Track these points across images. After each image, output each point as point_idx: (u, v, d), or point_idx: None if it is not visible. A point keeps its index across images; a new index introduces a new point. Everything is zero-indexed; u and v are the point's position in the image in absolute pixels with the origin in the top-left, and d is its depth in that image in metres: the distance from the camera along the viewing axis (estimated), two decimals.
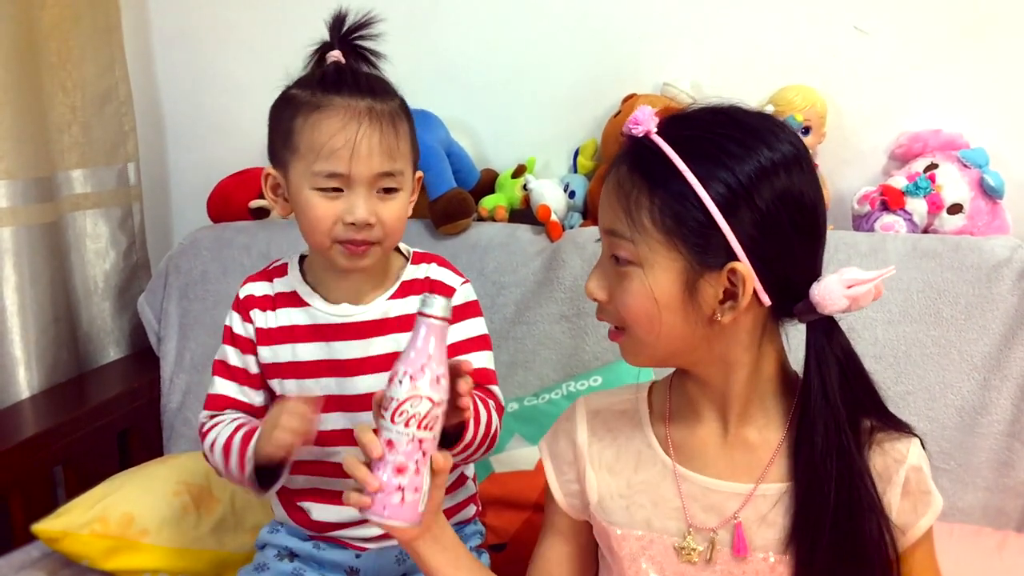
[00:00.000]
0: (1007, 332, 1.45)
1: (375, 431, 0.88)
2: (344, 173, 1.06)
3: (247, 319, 1.20)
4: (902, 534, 0.91)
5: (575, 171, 1.78)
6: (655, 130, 0.88)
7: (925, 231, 1.59)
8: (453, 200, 1.65)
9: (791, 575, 0.91)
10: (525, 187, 1.72)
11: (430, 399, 0.86)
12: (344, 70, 1.11)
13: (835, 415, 0.88)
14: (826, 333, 0.89)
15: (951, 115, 1.63)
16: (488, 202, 1.73)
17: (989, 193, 1.57)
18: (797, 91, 1.64)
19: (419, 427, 0.86)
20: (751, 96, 1.66)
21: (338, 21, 1.15)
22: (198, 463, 1.49)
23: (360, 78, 1.10)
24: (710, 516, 0.93)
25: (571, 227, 1.69)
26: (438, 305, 0.87)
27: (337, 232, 1.08)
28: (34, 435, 1.48)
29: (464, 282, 1.21)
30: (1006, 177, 1.56)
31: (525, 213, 1.71)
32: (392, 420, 0.86)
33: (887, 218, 1.57)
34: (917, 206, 1.57)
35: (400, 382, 0.86)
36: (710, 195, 0.83)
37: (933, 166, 1.59)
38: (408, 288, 1.18)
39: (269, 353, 1.19)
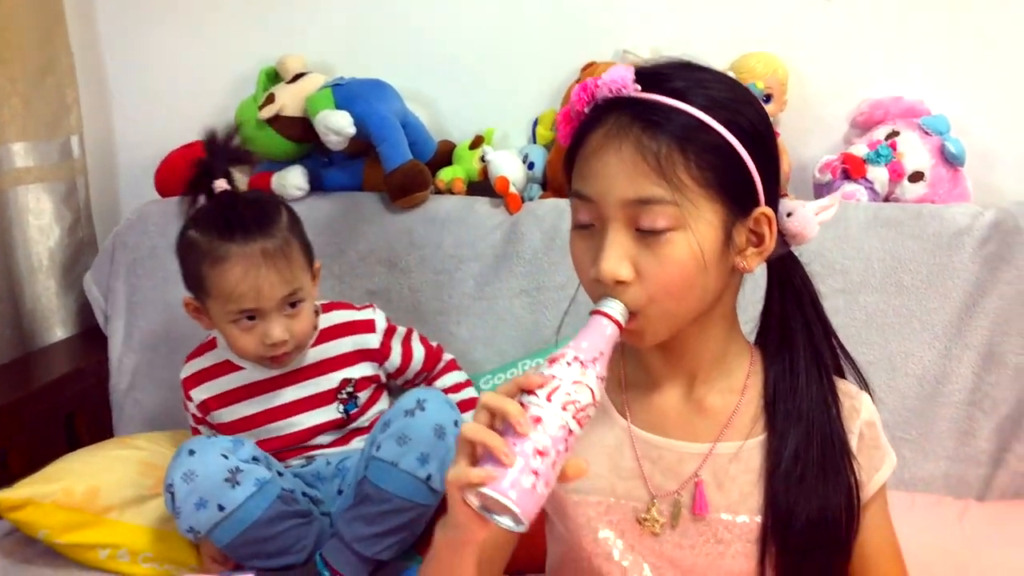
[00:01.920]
0: (968, 301, 1.45)
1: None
2: (253, 307, 1.29)
3: (188, 398, 1.43)
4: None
5: (534, 142, 1.75)
6: (641, 88, 0.84)
7: (886, 199, 1.58)
8: (409, 173, 1.62)
9: (759, 530, 0.89)
10: (483, 159, 1.69)
11: (592, 393, 0.78)
12: (232, 216, 1.29)
13: (814, 346, 0.92)
14: (794, 264, 0.93)
15: (912, 82, 1.63)
16: (445, 174, 1.70)
17: (950, 160, 1.56)
18: (759, 58, 1.62)
19: (574, 417, 0.77)
20: (712, 63, 1.63)
21: (210, 142, 1.35)
22: (158, 446, 1.50)
23: (248, 222, 1.28)
24: (669, 479, 0.92)
25: (530, 199, 1.66)
26: (618, 309, 0.81)
27: (260, 351, 1.32)
28: None
29: (372, 307, 1.45)
30: (967, 144, 1.56)
31: (483, 185, 1.68)
32: (548, 399, 0.76)
33: (848, 187, 1.56)
34: (878, 174, 1.56)
35: (568, 364, 0.78)
36: (738, 139, 0.82)
37: (894, 133, 1.58)
38: (325, 335, 1.41)
39: (218, 416, 1.42)
